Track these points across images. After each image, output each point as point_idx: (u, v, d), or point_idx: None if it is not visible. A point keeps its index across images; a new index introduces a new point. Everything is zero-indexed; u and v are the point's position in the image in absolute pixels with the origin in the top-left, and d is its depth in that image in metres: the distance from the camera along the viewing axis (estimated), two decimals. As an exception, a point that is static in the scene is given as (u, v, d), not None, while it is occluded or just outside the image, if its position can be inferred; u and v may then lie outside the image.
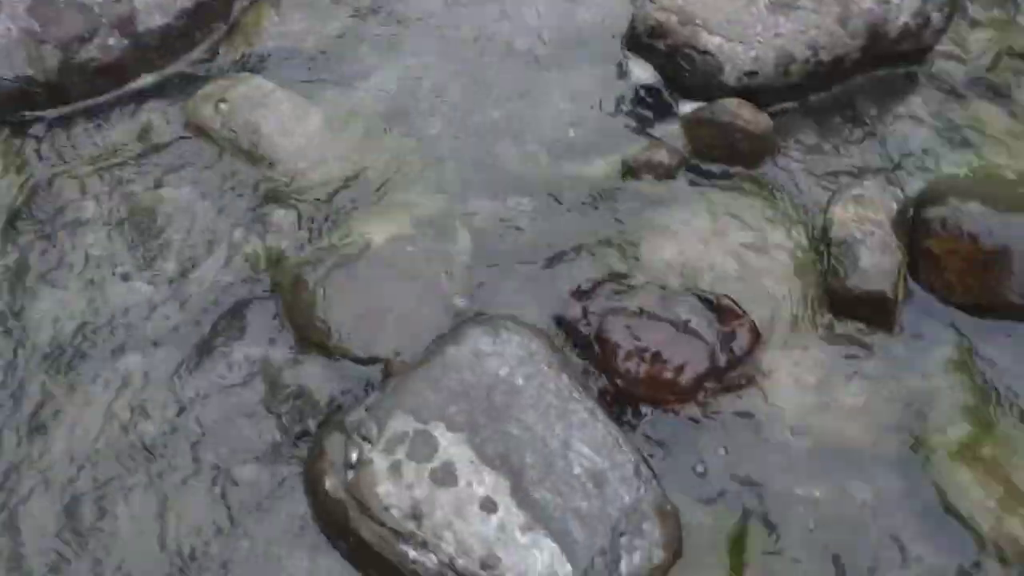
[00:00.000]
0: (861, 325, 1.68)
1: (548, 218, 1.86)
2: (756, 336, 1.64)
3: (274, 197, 1.87)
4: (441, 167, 1.93)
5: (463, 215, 1.85)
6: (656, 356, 1.61)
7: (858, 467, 1.54)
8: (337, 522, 1.44)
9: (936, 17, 1.95)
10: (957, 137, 1.93)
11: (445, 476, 1.41)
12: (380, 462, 1.43)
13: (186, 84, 2.02)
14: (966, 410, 1.59)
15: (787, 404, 1.60)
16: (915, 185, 1.84)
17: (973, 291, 1.68)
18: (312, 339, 1.65)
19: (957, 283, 1.69)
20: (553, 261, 1.79)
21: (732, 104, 1.84)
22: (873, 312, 1.67)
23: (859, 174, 1.85)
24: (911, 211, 1.78)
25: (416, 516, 1.38)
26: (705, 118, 1.86)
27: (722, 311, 1.66)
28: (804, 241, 1.78)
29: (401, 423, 1.47)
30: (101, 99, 1.96)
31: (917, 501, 1.50)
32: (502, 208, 1.88)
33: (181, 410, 1.61)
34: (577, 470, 1.43)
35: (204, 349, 1.68)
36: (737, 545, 1.44)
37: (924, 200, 1.77)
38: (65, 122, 1.95)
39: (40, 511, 1.48)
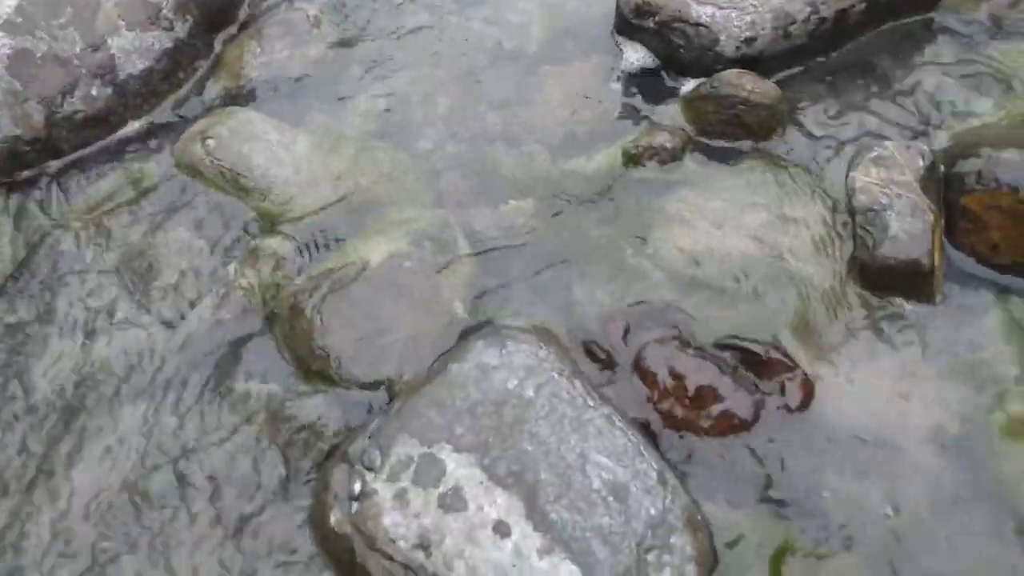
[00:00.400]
0: (899, 299, 1.54)
1: (551, 219, 1.76)
2: (809, 391, 1.47)
3: (268, 228, 1.81)
4: (436, 179, 1.85)
5: (462, 226, 1.76)
6: (698, 397, 1.47)
7: (911, 457, 1.39)
8: (344, 559, 1.35)
9: (947, -40, 1.81)
10: (982, 84, 1.77)
11: (454, 501, 1.32)
12: (384, 491, 1.34)
13: (173, 125, 1.98)
14: (1022, 382, 1.43)
15: (828, 394, 1.47)
16: (942, 140, 1.69)
17: (1020, 249, 1.53)
18: (313, 368, 1.58)
19: (1001, 241, 1.54)
20: (560, 264, 1.69)
21: (733, 75, 1.72)
22: (910, 283, 1.52)
23: (879, 135, 1.72)
24: (941, 168, 1.63)
25: (425, 546, 1.29)
26: (706, 94, 1.75)
27: (771, 365, 1.49)
28: (827, 214, 1.65)
29: (405, 448, 1.38)
30: (90, 149, 1.93)
31: (979, 491, 1.35)
32: (502, 214, 1.79)
33: (185, 456, 1.55)
34: (597, 484, 1.32)
35: (205, 391, 1.62)
36: (779, 556, 1.31)
37: (954, 154, 1.62)
38: (57, 176, 1.92)
39: (45, 567, 1.43)
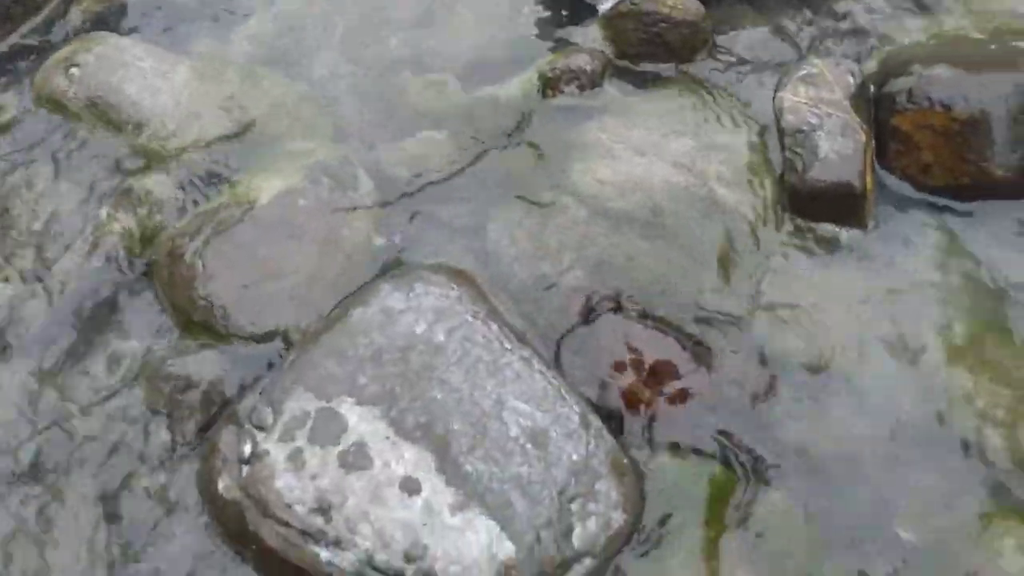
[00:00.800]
0: (830, 225, 1.46)
1: (463, 151, 1.61)
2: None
3: (144, 166, 1.61)
4: (335, 109, 1.68)
5: (364, 161, 1.60)
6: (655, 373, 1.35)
7: (847, 389, 1.32)
8: (236, 527, 1.20)
9: None
10: (912, 2, 1.69)
11: (357, 459, 1.18)
12: (277, 452, 1.20)
13: (32, 53, 1.75)
14: (962, 307, 1.37)
15: (759, 330, 1.38)
16: (872, 59, 1.60)
17: (952, 170, 1.46)
18: (196, 321, 1.41)
19: (934, 163, 1.47)
20: (474, 201, 1.55)
21: (655, -8, 1.59)
22: (842, 208, 1.44)
23: (806, 53, 1.62)
24: (871, 88, 1.54)
25: (324, 509, 1.15)
26: (626, 11, 1.62)
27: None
28: (754, 138, 1.55)
29: (300, 403, 1.23)
30: (-67, 81, 1.70)
31: (916, 419, 1.29)
32: (410, 146, 1.63)
33: (57, 424, 1.37)
34: (514, 431, 1.21)
35: (77, 350, 1.44)
36: (715, 499, 1.22)
37: (884, 73, 1.54)
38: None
39: None
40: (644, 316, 1.38)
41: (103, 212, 1.56)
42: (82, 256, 1.52)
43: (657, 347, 1.37)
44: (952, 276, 1.41)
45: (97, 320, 1.46)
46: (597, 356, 1.36)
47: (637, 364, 1.34)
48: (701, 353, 1.36)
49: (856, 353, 1.35)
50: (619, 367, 1.34)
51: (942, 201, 1.47)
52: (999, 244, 1.44)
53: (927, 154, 1.47)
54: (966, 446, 1.24)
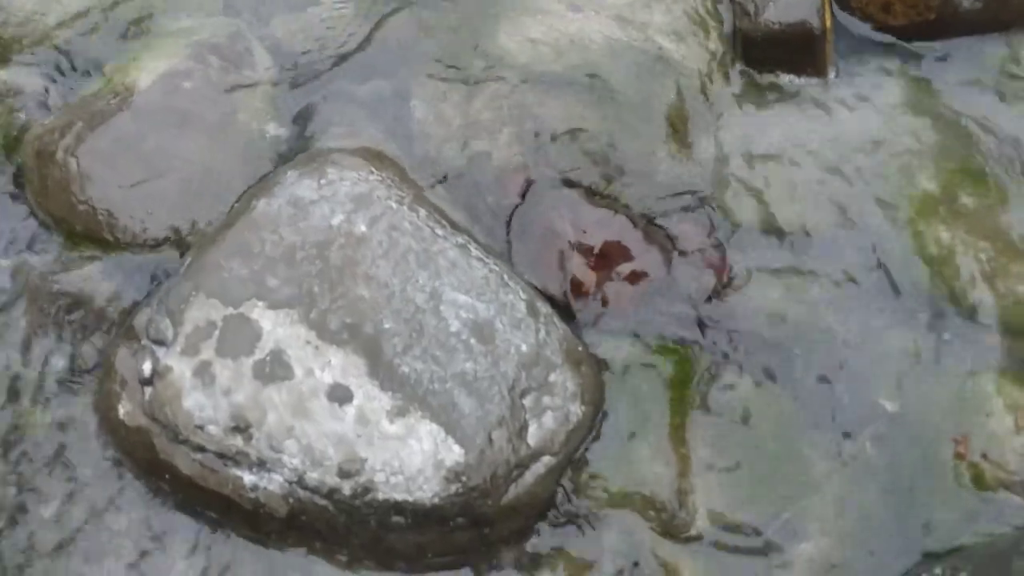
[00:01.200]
0: (789, 75, 1.32)
1: (374, 20, 1.41)
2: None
3: (1, 56, 1.38)
4: (222, -21, 1.45)
5: (260, 34, 1.39)
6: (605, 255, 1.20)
7: (814, 255, 1.20)
8: (145, 457, 1.05)
9: None
10: None
11: (275, 368, 1.03)
12: (182, 367, 1.04)
13: None
14: (933, 157, 1.26)
15: (719, 192, 1.25)
16: None
17: (915, 6, 1.33)
18: (77, 229, 1.22)
19: (895, 1, 1.33)
20: (391, 75, 1.36)
21: None
22: (800, 53, 1.30)
23: None
24: (826, -81, 1.38)
25: (242, 428, 1.01)
26: None
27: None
28: (701, -15, 1.38)
29: (204, 312, 1.07)
30: None
31: (887, 273, 1.19)
32: (313, 17, 1.42)
33: (-74, 359, 1.19)
34: (455, 325, 1.06)
35: (-56, 273, 1.24)
36: (678, 384, 1.11)
37: (840, -101, 1.37)
38: None
39: None
40: (592, 192, 1.24)
41: (-46, 113, 1.33)
42: (-66, 166, 1.30)
43: (607, 226, 1.23)
44: (921, 123, 1.29)
45: (-39, 237, 1.26)
46: (542, 240, 1.22)
47: (586, 246, 1.20)
48: (653, 231, 1.23)
49: (822, 215, 1.23)
50: (566, 250, 1.21)
51: (906, 42, 1.34)
52: (968, 85, 1.32)
53: (889, -10, 1.33)
54: (947, 306, 1.15)
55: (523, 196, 1.25)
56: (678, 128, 1.30)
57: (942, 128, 1.29)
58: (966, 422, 1.06)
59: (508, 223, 1.23)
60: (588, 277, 1.19)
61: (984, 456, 1.04)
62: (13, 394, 1.16)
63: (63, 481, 1.11)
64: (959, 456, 1.04)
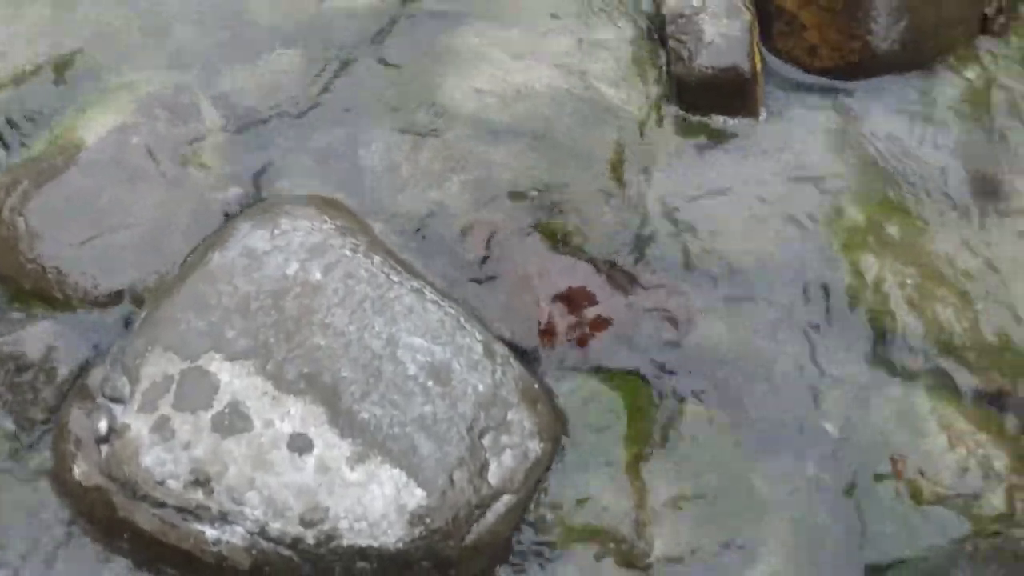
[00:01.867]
0: (722, 116, 1.38)
1: (320, 71, 1.44)
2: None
3: (-57, 116, 1.37)
4: (168, 33, 1.46)
5: (207, 89, 1.41)
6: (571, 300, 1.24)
7: (756, 288, 1.25)
8: (104, 517, 1.04)
9: None
10: None
11: (234, 421, 1.03)
12: (139, 424, 1.04)
13: None
14: (859, 190, 1.33)
15: (663, 240, 1.29)
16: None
17: (839, 49, 1.40)
18: (26, 287, 1.21)
19: (820, 42, 1.41)
20: (340, 126, 1.39)
21: None
22: (732, 96, 1.36)
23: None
24: (750, -33, 1.46)
25: (203, 482, 1.01)
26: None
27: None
28: (636, 30, 1.45)
29: (160, 366, 1.07)
30: None
31: (823, 303, 1.24)
32: (260, 69, 1.44)
33: None
34: (412, 369, 1.08)
35: None
36: (635, 418, 1.14)
37: (764, -51, 1.45)
38: None
39: None
40: (554, 238, 1.27)
41: None
42: None
43: (572, 272, 1.26)
44: (847, 159, 1.36)
45: (-96, 299, 1.24)
46: (512, 289, 1.25)
47: (555, 293, 1.24)
48: (615, 275, 1.26)
49: (758, 249, 1.29)
50: (537, 297, 1.23)
51: (831, 82, 1.42)
52: (889, 122, 1.40)
53: (813, 33, 1.40)
54: (879, 331, 1.21)
55: (488, 247, 1.28)
56: (619, 172, 1.35)
57: (867, 162, 1.37)
58: (903, 442, 1.11)
59: (476, 276, 1.25)
60: (559, 322, 1.22)
61: (921, 473, 1.10)
62: (-38, 458, 1.15)
63: (18, 544, 1.10)
64: (898, 474, 1.09)
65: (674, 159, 1.36)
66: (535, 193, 1.32)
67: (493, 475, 1.04)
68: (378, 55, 1.45)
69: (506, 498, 1.05)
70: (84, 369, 1.16)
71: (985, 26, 1.47)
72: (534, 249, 1.29)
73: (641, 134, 1.38)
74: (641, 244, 1.27)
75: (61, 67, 1.41)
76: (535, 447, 1.07)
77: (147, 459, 1.02)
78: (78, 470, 1.05)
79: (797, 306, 1.23)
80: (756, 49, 1.37)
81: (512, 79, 1.41)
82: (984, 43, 1.47)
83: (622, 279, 1.26)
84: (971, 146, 1.39)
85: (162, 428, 1.03)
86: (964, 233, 1.31)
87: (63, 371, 1.17)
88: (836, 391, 1.15)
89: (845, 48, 1.40)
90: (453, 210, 1.31)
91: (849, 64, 1.41)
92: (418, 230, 1.29)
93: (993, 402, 1.16)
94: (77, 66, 1.42)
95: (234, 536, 1.00)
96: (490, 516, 1.03)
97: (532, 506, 1.08)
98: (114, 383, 1.07)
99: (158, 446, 1.02)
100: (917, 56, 1.43)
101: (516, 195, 1.32)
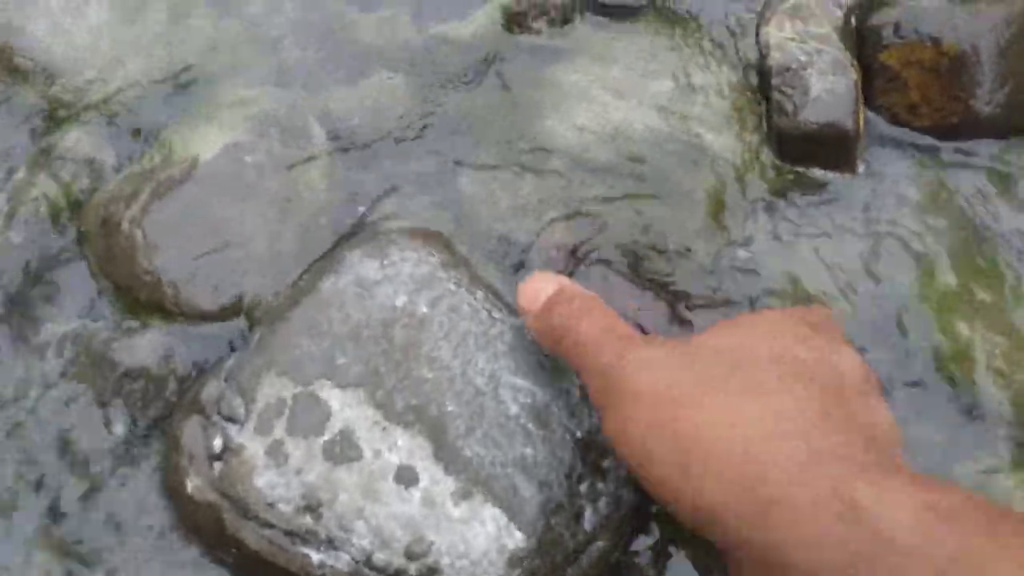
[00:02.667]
0: (820, 169, 1.39)
1: (425, 97, 1.47)
2: None
3: (61, 120, 1.41)
4: (277, 50, 1.50)
5: (315, 109, 1.44)
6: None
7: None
8: (214, 532, 1.09)
9: None
10: (893, -74, 1.61)
11: (344, 448, 1.08)
12: (254, 446, 1.08)
13: (-90, -14, 1.50)
14: (953, 253, 1.34)
15: (749, 285, 1.32)
16: (856, -12, 1.52)
17: (941, 109, 1.41)
18: (141, 298, 1.26)
19: (921, 101, 1.41)
20: (441, 153, 1.42)
21: (628, -86, 1.46)
22: (833, 150, 1.37)
23: (792, -16, 1.53)
24: (854, 20, 1.47)
25: (313, 507, 1.05)
26: (598, -63, 1.48)
27: None
28: (738, 77, 1.46)
29: (275, 389, 1.11)
30: None
31: (907, 365, 1.26)
32: (364, 93, 1.47)
33: (-12, 421, 1.22)
34: (514, 409, 1.12)
35: (6, 337, 1.27)
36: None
37: (870, 2, 1.46)
38: None
39: None
40: (636, 273, 1.31)
41: (18, 176, 1.36)
42: (-2, 228, 1.33)
43: (648, 310, 1.29)
44: (942, 220, 1.37)
45: (23, 302, 1.29)
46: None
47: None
48: (683, 313, 1.29)
49: (849, 307, 1.31)
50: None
51: (930, 141, 1.42)
52: (985, 185, 1.41)
53: (915, 92, 1.41)
54: (966, 398, 1.22)
55: (570, 275, 1.31)
56: (713, 216, 1.37)
57: (961, 224, 1.37)
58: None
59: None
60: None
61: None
62: (72, 460, 1.20)
63: (125, 550, 1.15)
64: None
65: (769, 208, 1.38)
66: (627, 230, 1.34)
67: (588, 521, 1.08)
68: (481, 85, 1.48)
69: (599, 544, 1.08)
70: (195, 381, 1.22)
71: (1088, 93, 1.46)
72: (622, 288, 1.32)
73: (738, 180, 1.39)
74: (726, 284, 1.29)
75: (175, 78, 1.46)
76: (628, 496, 1.10)
77: (260, 481, 1.06)
78: (191, 484, 1.10)
79: (885, 367, 1.25)
80: (860, 106, 1.38)
81: (612, 117, 1.43)
82: (1085, 110, 1.47)
83: (692, 316, 1.29)
84: (1067, 214, 1.39)
85: (276, 452, 1.07)
86: (1057, 303, 1.32)
87: (174, 382, 1.23)
88: (923, 458, 1.17)
89: (947, 109, 1.40)
90: (548, 244, 1.34)
91: (950, 125, 1.42)
92: (514, 264, 1.32)
93: (1077, 479, 1.18)
94: (190, 77, 1.46)
95: (339, 562, 1.04)
96: (584, 561, 1.07)
97: (619, 553, 1.12)
98: (230, 402, 1.11)
99: (271, 469, 1.07)
100: (1018, 121, 1.43)
101: (606, 229, 1.35)
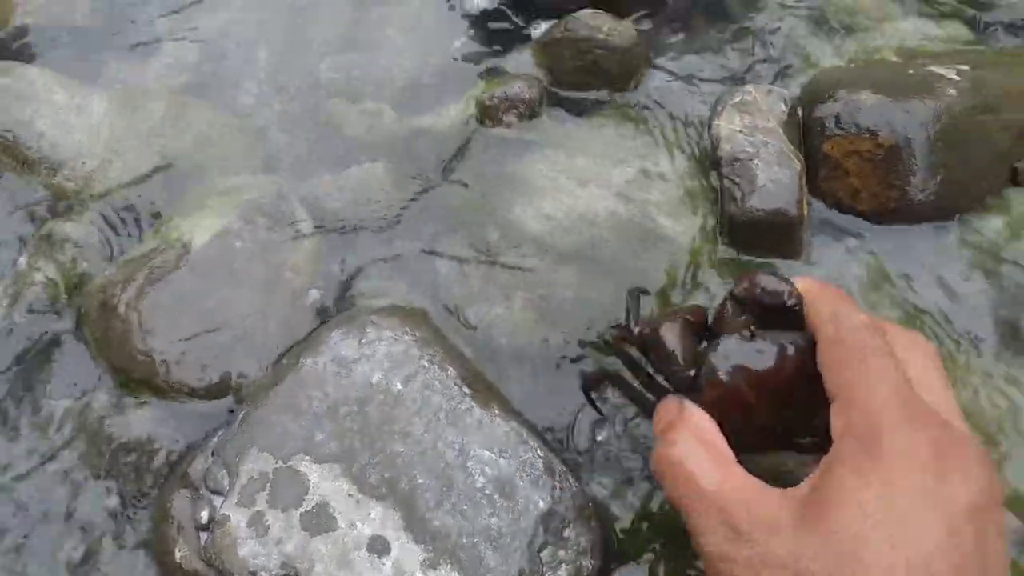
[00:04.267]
0: (767, 254, 1.50)
1: (402, 184, 1.59)
2: None
3: (64, 208, 1.52)
4: (265, 141, 1.62)
5: (300, 195, 1.56)
6: None
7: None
8: (199, 600, 1.17)
9: None
10: (830, 22, 1.75)
11: (321, 520, 1.16)
12: (238, 517, 1.16)
13: (-73, 84, 1.62)
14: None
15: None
16: (799, 81, 1.65)
17: (879, 196, 1.53)
18: (135, 377, 1.35)
19: (862, 188, 1.53)
20: (419, 237, 1.53)
21: (588, 16, 1.59)
22: (778, 236, 1.48)
23: (738, 77, 1.66)
24: (799, 112, 1.59)
25: (292, 577, 1.13)
26: (560, 37, 1.62)
27: None
28: (692, 166, 1.58)
29: (258, 464, 1.20)
30: None
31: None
32: (347, 180, 1.59)
33: (-12, 492, 1.29)
34: (480, 481, 1.21)
35: (7, 412, 1.36)
36: (682, 539, 1.26)
37: (813, 97, 1.59)
38: None
39: None
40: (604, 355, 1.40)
41: (23, 260, 1.46)
42: (3, 310, 1.43)
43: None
44: (881, 299, 1.48)
45: (26, 378, 1.38)
46: (560, 399, 1.37)
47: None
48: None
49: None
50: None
51: (870, 225, 1.54)
52: (922, 266, 1.52)
53: (855, 180, 1.53)
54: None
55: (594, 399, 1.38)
56: (667, 298, 1.47)
57: (899, 303, 1.48)
58: None
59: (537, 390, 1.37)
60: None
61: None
62: (65, 528, 1.28)
63: (112, 612, 1.22)
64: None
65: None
66: (587, 311, 1.45)
67: (550, 588, 1.16)
68: (455, 173, 1.59)
69: (560, 609, 1.16)
70: (184, 456, 1.30)
71: (1016, 178, 1.59)
72: (585, 366, 1.41)
73: (691, 264, 1.50)
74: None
75: (170, 168, 1.57)
76: (588, 564, 1.18)
77: (243, 550, 1.14)
78: (179, 553, 1.17)
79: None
80: (804, 194, 1.50)
81: (576, 204, 1.55)
82: (1014, 193, 1.59)
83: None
84: (999, 291, 1.50)
85: (258, 523, 1.15)
86: (991, 376, 1.41)
87: (164, 456, 1.32)
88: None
89: (885, 196, 1.52)
90: (516, 323, 1.44)
91: (888, 210, 1.53)
92: (482, 338, 1.42)
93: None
94: (184, 167, 1.57)
95: (316, 627, 1.12)
96: (545, 625, 1.15)
97: (581, 615, 1.19)
98: (215, 476, 1.20)
99: (253, 539, 1.15)
100: (951, 205, 1.55)
101: (570, 311, 1.45)
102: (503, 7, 1.73)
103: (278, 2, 1.78)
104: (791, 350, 0.71)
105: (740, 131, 1.53)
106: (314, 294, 1.44)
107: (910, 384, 0.69)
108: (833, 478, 0.66)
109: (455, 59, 1.71)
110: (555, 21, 1.65)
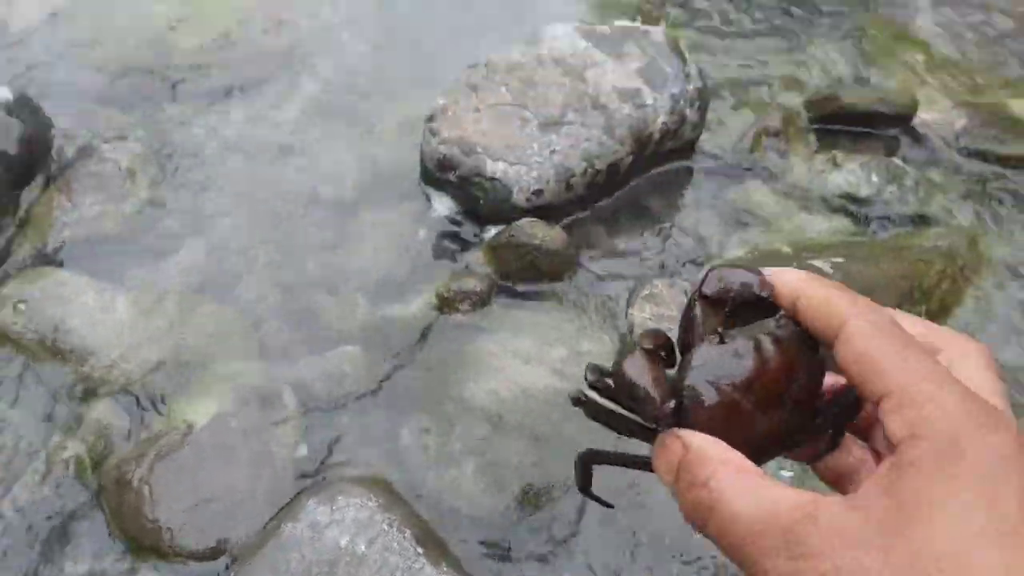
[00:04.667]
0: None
1: (374, 364, 1.89)
2: None
3: (90, 394, 1.82)
4: (260, 331, 1.94)
5: (288, 378, 1.86)
6: None
7: None
8: None
9: (690, 113, 2.14)
10: (735, 219, 2.10)
11: (295, 667, 1.40)
12: (226, 667, 1.40)
13: (-20, 290, 1.96)
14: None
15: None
16: (701, 273, 1.98)
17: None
18: (145, 544, 1.61)
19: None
20: (386, 412, 1.82)
21: (526, 224, 1.94)
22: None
23: (652, 270, 1.99)
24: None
25: None
26: (505, 242, 1.96)
27: None
28: (616, 346, 1.89)
29: (244, 620, 1.45)
30: None
31: None
32: (328, 363, 1.90)
33: (14, 648, 1.53)
34: (428, 630, 1.45)
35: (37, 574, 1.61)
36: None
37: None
38: None
39: None
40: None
41: (53, 440, 1.75)
42: (34, 484, 1.70)
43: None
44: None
45: (50, 545, 1.64)
46: (507, 556, 1.62)
47: None
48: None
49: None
50: None
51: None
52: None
53: (750, 356, 1.83)
54: None
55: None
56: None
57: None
58: None
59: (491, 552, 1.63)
60: None
61: None
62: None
63: None
64: None
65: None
66: (530, 475, 1.71)
67: None
68: (419, 355, 1.90)
69: None
70: (183, 611, 1.55)
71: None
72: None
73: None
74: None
75: (179, 358, 1.88)
76: None
77: None
78: None
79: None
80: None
81: (519, 380, 1.84)
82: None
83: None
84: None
85: (243, 671, 1.39)
86: None
87: (166, 611, 1.56)
88: None
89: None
90: (468, 488, 1.71)
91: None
92: (439, 504, 1.69)
93: None
94: (190, 358, 1.88)
95: None
96: None
97: None
98: (209, 631, 1.44)
99: None
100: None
101: (515, 477, 1.71)
102: (459, 216, 2.08)
103: (276, 210, 2.14)
104: (767, 342, 0.63)
105: (649, 318, 1.84)
106: (304, 468, 1.72)
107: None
108: (912, 484, 0.58)
109: (419, 258, 2.05)
110: (501, 227, 2.00)
